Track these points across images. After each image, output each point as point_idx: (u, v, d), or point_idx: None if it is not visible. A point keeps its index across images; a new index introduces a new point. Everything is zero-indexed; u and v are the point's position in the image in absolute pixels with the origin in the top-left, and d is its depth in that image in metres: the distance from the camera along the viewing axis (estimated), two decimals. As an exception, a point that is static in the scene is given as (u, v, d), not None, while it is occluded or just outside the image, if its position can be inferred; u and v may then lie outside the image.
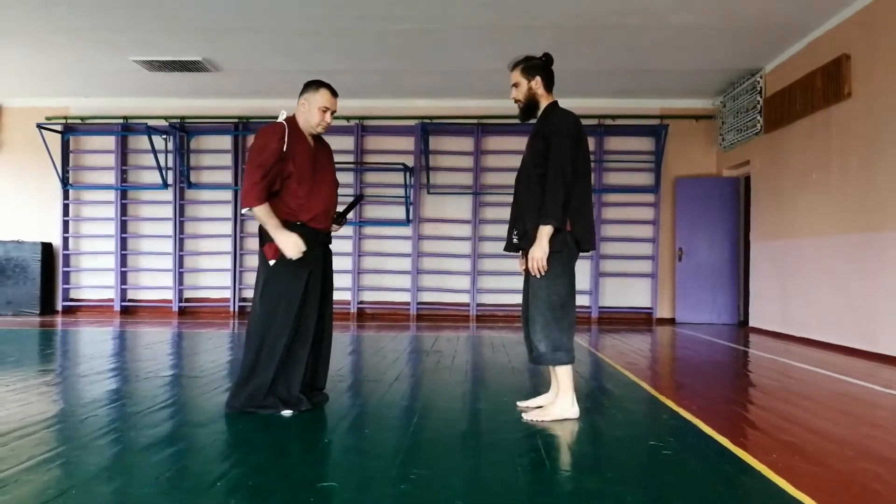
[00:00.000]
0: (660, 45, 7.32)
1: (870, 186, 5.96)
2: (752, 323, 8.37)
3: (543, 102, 3.41)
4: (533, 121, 3.48)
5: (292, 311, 3.34)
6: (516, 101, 3.46)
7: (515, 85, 3.44)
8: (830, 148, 6.61)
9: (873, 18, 5.94)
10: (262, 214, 3.28)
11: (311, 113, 3.41)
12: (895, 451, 2.87)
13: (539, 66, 3.41)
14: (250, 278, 10.07)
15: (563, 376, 3.33)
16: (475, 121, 9.70)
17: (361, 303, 9.97)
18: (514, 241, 3.39)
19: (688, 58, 7.76)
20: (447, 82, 8.90)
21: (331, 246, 3.64)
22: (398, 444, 2.87)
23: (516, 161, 9.41)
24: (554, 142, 3.21)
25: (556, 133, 3.24)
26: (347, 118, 9.68)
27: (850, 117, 6.27)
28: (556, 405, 3.34)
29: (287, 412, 3.32)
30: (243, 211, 3.31)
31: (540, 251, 3.19)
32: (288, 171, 3.32)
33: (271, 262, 3.35)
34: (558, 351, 3.27)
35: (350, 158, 9.77)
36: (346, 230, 9.66)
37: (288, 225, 3.32)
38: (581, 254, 3.41)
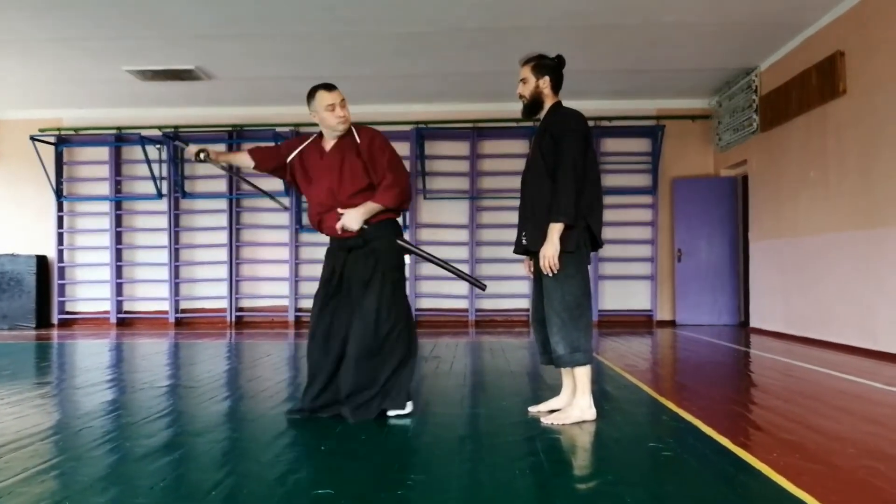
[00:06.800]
0: (654, 44, 7.32)
1: (867, 183, 5.94)
2: (752, 323, 8.34)
3: (548, 102, 3.38)
4: (535, 122, 3.45)
5: (314, 313, 3.48)
6: (521, 96, 3.41)
7: (523, 80, 3.39)
8: (827, 145, 6.60)
9: (866, 15, 5.94)
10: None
11: (321, 118, 3.40)
12: (898, 448, 2.85)
13: (550, 67, 3.37)
14: (247, 288, 10.05)
15: (581, 377, 3.29)
16: (470, 125, 9.68)
17: (359, 309, 9.91)
18: (524, 241, 3.33)
19: (682, 57, 7.76)
20: (441, 86, 8.89)
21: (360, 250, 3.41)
22: (396, 449, 2.84)
23: (512, 164, 9.61)
24: (565, 138, 3.18)
25: (566, 130, 3.21)
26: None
27: (846, 114, 6.26)
28: (575, 407, 3.31)
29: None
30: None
31: (552, 248, 3.15)
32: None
33: None
34: (577, 352, 3.23)
35: (346, 165, 9.73)
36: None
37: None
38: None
